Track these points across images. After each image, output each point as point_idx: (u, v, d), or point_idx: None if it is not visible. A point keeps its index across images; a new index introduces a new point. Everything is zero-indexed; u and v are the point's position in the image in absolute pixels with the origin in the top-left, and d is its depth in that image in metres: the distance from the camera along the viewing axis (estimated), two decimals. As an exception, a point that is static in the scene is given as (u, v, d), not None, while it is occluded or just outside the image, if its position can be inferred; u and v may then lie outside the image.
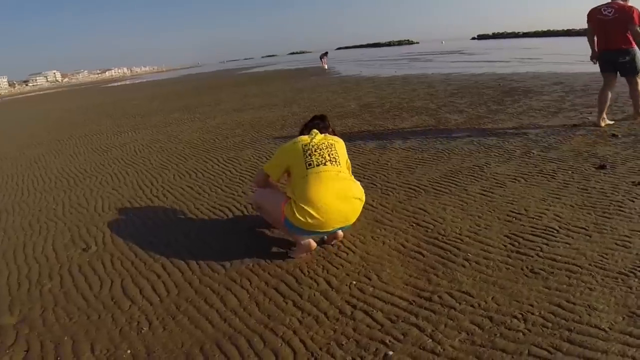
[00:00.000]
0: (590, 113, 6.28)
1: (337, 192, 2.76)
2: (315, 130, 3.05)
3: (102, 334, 2.27)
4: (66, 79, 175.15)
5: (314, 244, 2.90)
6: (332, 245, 2.98)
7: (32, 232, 3.86)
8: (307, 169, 2.79)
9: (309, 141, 2.91)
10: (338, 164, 2.85)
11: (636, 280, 2.25)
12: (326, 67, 29.00)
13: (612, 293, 2.17)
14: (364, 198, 2.94)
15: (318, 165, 2.79)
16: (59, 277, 2.94)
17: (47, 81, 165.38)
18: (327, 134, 3.08)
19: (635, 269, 2.34)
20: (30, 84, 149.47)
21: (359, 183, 2.98)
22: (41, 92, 58.13)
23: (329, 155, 2.85)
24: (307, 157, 2.82)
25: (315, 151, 2.84)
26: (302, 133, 3.23)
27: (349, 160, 3.08)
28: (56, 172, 6.15)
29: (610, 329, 1.92)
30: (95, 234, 3.63)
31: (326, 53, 32.77)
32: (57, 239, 3.62)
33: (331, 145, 2.93)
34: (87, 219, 4.04)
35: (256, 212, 3.44)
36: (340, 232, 2.99)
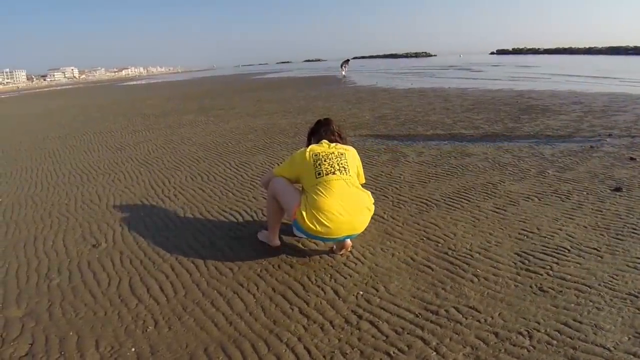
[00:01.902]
0: (609, 135, 6.23)
1: (346, 201, 2.77)
2: (325, 141, 3.08)
3: (107, 330, 2.27)
4: (83, 76, 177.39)
5: (277, 244, 3.13)
6: (340, 255, 2.98)
7: (43, 226, 3.89)
8: (316, 178, 2.81)
9: (319, 151, 2.95)
10: (347, 172, 2.87)
11: (645, 302, 2.23)
12: (344, 74, 28.29)
13: (619, 313, 2.16)
14: (373, 208, 2.94)
15: (327, 174, 2.81)
16: (67, 272, 2.96)
17: (65, 77, 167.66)
18: (337, 144, 3.09)
19: (646, 292, 2.32)
20: (48, 79, 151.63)
21: (368, 192, 2.97)
22: (58, 88, 58.89)
23: (338, 164, 2.87)
24: (317, 166, 2.85)
25: (325, 160, 2.87)
26: (309, 141, 3.28)
27: (360, 169, 3.08)
28: (70, 168, 6.22)
29: (615, 348, 1.92)
30: (106, 231, 3.66)
31: (347, 60, 30.98)
32: (68, 234, 3.65)
33: (341, 154, 2.95)
34: (99, 215, 4.07)
35: (265, 215, 3.45)
36: (348, 242, 2.97)
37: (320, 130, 3.24)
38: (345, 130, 3.41)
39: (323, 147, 2.99)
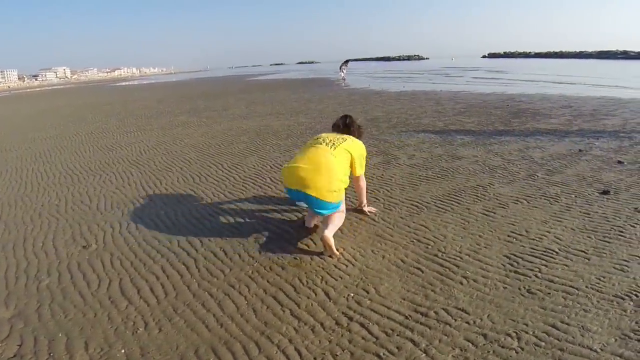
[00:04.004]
0: (597, 139, 6.30)
1: (313, 159, 3.21)
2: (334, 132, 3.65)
3: (97, 332, 2.27)
4: (75, 76, 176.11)
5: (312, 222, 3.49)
6: (329, 257, 2.98)
7: (33, 226, 3.88)
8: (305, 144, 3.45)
9: (324, 134, 3.52)
10: (333, 147, 3.30)
11: (631, 303, 2.26)
12: (342, 76, 26.14)
13: (606, 315, 2.18)
14: (343, 179, 3.25)
15: (315, 143, 3.37)
16: (57, 274, 2.95)
17: (57, 77, 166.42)
18: (344, 134, 3.57)
19: (631, 293, 2.35)
20: (40, 79, 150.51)
21: (347, 172, 3.34)
22: (50, 88, 58.48)
23: (330, 140, 3.37)
24: (312, 139, 3.49)
25: (321, 138, 3.44)
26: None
27: (356, 159, 3.42)
28: (60, 168, 6.19)
29: (602, 350, 1.94)
30: (96, 233, 3.65)
31: (347, 62, 27.63)
32: (58, 235, 3.63)
33: (340, 137, 3.44)
34: (89, 216, 4.05)
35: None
36: (326, 237, 2.96)
37: (336, 124, 3.76)
38: (358, 125, 3.77)
39: (330, 134, 3.55)
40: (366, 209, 3.74)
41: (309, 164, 3.17)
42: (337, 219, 3.21)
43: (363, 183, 3.66)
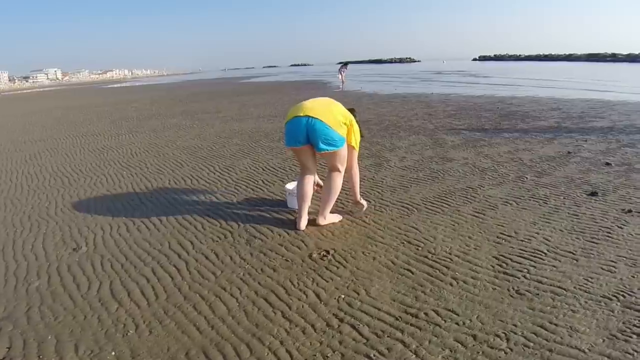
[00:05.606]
0: (586, 141, 6.37)
1: (316, 100, 3.47)
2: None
3: (87, 334, 2.26)
4: (66, 78, 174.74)
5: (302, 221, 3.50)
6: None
7: (22, 229, 3.85)
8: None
9: None
10: (333, 104, 3.51)
11: (618, 304, 2.29)
12: (341, 80, 24.23)
13: (594, 316, 2.20)
14: (345, 122, 3.43)
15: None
16: (47, 276, 2.94)
17: (48, 79, 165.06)
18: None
19: (619, 293, 2.38)
20: (31, 81, 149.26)
21: (346, 123, 3.46)
22: (41, 89, 58.00)
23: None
24: None
25: None
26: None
27: (354, 125, 3.58)
28: (51, 171, 6.15)
29: (590, 350, 1.96)
30: (87, 235, 3.63)
31: (346, 64, 25.28)
32: (48, 238, 3.61)
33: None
34: (79, 219, 4.04)
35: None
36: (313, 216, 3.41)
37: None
38: (357, 120, 3.82)
39: None
40: (360, 200, 3.81)
41: (313, 102, 3.47)
42: (332, 190, 3.47)
43: (356, 170, 3.74)
